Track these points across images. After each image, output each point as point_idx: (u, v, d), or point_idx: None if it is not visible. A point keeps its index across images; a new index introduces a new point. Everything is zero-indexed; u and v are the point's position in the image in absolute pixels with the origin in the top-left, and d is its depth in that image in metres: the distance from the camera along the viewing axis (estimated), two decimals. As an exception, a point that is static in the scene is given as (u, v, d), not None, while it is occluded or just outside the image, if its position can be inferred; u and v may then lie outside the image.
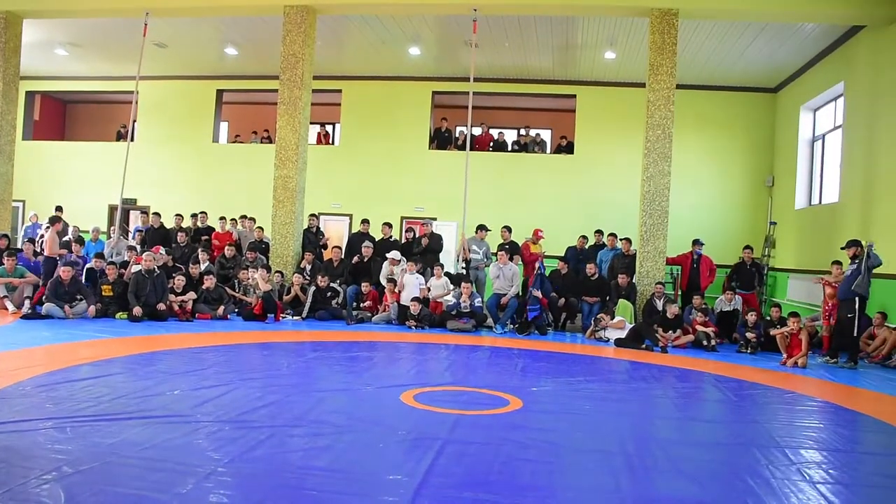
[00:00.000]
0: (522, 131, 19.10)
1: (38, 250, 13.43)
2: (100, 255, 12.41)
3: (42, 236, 14.36)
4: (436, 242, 13.56)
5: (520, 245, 13.75)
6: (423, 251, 13.28)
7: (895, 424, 6.23)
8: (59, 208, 14.93)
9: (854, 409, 6.96)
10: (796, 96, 15.97)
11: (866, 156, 12.49)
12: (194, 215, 15.18)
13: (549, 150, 19.06)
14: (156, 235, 14.21)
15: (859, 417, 6.64)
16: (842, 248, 10.13)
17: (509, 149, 18.75)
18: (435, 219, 14.63)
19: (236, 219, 15.31)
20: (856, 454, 5.23)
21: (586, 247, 14.06)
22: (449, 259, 14.04)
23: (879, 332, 10.58)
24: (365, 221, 14.20)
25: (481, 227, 13.44)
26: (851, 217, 12.76)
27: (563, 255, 13.99)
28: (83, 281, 11.67)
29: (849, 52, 13.47)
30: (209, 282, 11.87)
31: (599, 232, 14.22)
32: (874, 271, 9.78)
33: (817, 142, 15.40)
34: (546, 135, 19.73)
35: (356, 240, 13.95)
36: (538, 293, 11.87)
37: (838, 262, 10.60)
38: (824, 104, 15.16)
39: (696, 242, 13.17)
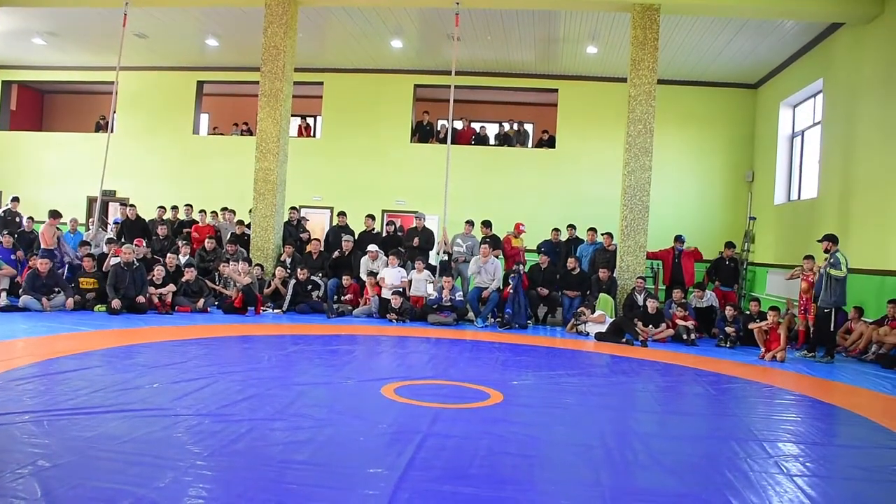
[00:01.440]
0: (506, 124, 19.07)
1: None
2: (84, 243, 12.33)
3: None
4: (426, 241, 13.54)
5: (501, 239, 13.77)
6: (414, 248, 13.23)
7: (871, 418, 6.30)
8: (15, 198, 14.78)
9: (831, 402, 7.04)
10: (776, 92, 16.09)
11: (844, 152, 12.61)
12: (174, 207, 15.05)
13: (530, 143, 19.07)
14: (132, 227, 14.07)
15: (836, 411, 6.71)
16: (818, 241, 10.24)
17: (492, 142, 18.76)
18: (417, 212, 14.61)
19: (217, 211, 15.20)
20: (833, 447, 5.30)
21: (561, 238, 14.12)
22: (430, 252, 14.06)
23: (856, 327, 10.72)
24: (342, 214, 14.18)
25: (469, 222, 13.45)
26: (830, 212, 12.89)
27: (536, 248, 14.07)
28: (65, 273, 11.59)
29: (828, 49, 13.58)
30: (189, 274, 11.79)
31: (572, 226, 14.24)
32: (849, 270, 9.89)
33: (797, 138, 15.53)
34: (528, 129, 19.73)
35: (334, 233, 13.91)
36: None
37: (810, 257, 10.74)
38: (803, 101, 15.28)
39: (678, 239, 13.24)
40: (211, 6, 14.20)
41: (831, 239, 9.93)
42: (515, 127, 18.99)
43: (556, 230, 14.14)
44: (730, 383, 7.75)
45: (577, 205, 16.95)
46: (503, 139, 18.67)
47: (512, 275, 12.07)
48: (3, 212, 14.87)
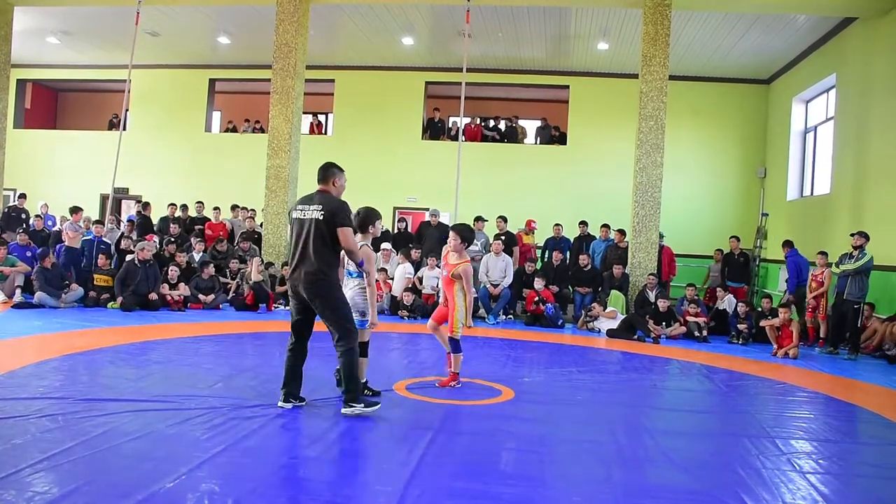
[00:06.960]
0: (491, 121, 19.07)
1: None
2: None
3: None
4: (437, 237, 13.54)
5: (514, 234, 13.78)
6: (426, 249, 13.23)
7: (885, 415, 6.27)
8: (22, 195, 14.87)
9: (844, 399, 7.00)
10: (789, 88, 15.99)
11: (858, 147, 12.53)
12: (184, 206, 15.08)
13: (528, 139, 18.92)
14: (145, 225, 14.12)
15: (850, 408, 6.68)
16: (851, 235, 10.22)
17: (499, 129, 18.67)
18: (428, 209, 14.60)
19: (242, 207, 15.15)
20: (846, 444, 5.26)
21: (563, 234, 14.08)
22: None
23: (870, 324, 10.65)
24: None
25: (479, 219, 13.44)
26: (843, 208, 12.81)
27: (542, 247, 14.13)
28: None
29: (841, 44, 13.49)
30: (207, 272, 11.83)
31: (584, 223, 14.21)
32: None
33: (809, 133, 15.44)
34: (536, 125, 19.69)
35: None
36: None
37: (824, 253, 10.72)
38: (816, 96, 15.19)
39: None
40: (223, 4, 14.25)
41: (865, 236, 10.00)
42: (509, 123, 18.90)
43: (558, 225, 14.13)
44: (742, 380, 7.73)
45: (589, 201, 16.91)
46: (505, 134, 18.60)
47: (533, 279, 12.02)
48: (9, 208, 14.95)
